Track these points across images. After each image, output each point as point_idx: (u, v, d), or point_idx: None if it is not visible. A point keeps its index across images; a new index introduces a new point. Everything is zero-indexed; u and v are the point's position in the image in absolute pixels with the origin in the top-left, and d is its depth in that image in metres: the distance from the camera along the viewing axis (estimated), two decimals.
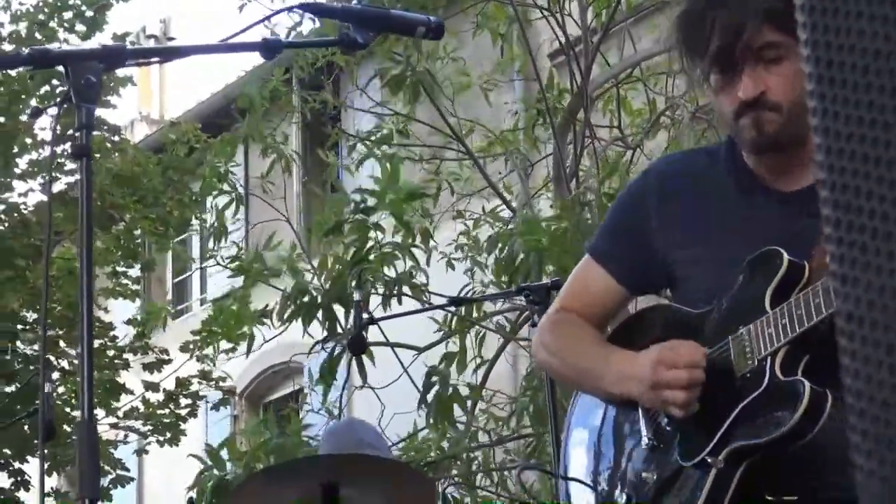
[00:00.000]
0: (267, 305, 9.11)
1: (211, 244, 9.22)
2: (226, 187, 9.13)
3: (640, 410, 2.91)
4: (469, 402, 8.07)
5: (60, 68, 2.53)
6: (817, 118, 0.95)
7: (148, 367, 13.33)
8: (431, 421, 7.63)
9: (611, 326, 3.13)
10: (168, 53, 2.88)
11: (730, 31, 2.72)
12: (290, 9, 3.10)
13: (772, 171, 2.86)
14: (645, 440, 2.88)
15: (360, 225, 7.85)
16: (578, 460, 3.11)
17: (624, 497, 2.89)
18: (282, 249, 8.81)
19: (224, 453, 8.18)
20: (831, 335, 2.59)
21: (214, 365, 12.65)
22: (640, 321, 3.06)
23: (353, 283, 7.56)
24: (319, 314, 7.96)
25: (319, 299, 7.94)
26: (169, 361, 13.35)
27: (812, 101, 0.97)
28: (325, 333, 8.07)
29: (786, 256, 2.72)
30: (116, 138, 13.40)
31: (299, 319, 8.02)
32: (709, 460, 2.71)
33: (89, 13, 12.89)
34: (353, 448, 5.16)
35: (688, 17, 2.82)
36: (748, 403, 2.69)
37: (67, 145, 12.59)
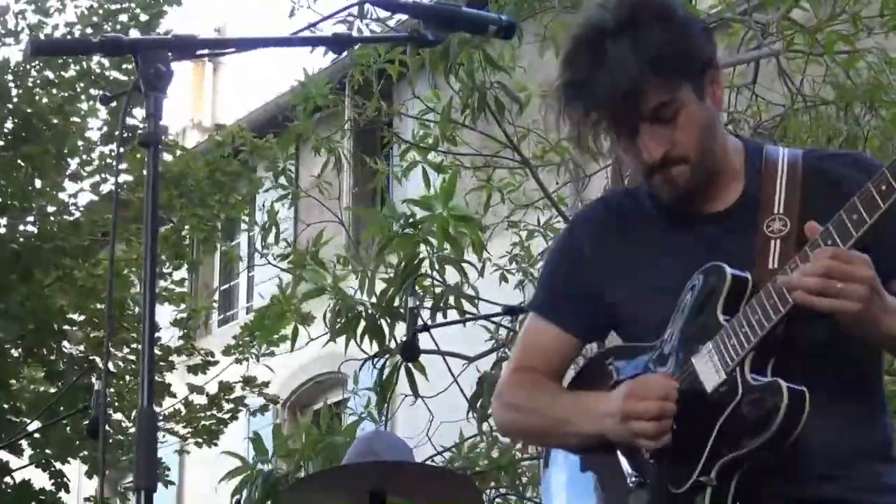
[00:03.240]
0: (310, 312, 9.01)
1: (259, 244, 9.14)
2: (282, 181, 9.08)
3: (618, 452, 2.88)
4: None
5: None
6: None
7: (193, 370, 13.32)
8: (484, 428, 7.57)
9: None
10: (240, 44, 2.81)
11: (616, 99, 2.71)
12: (363, 2, 3.07)
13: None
14: (630, 480, 2.86)
15: (409, 239, 7.77)
16: None
17: None
18: (333, 249, 8.69)
19: (269, 447, 8.07)
20: (792, 333, 2.59)
21: (258, 361, 12.55)
22: (598, 366, 3.03)
23: (407, 292, 7.48)
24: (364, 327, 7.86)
25: (365, 315, 7.84)
26: (215, 363, 13.32)
27: None
28: (375, 349, 7.98)
29: (728, 270, 2.75)
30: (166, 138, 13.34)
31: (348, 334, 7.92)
32: (702, 479, 2.70)
33: (144, 17, 12.86)
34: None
35: (570, 86, 2.78)
36: (728, 416, 2.70)
37: (113, 145, 12.64)
